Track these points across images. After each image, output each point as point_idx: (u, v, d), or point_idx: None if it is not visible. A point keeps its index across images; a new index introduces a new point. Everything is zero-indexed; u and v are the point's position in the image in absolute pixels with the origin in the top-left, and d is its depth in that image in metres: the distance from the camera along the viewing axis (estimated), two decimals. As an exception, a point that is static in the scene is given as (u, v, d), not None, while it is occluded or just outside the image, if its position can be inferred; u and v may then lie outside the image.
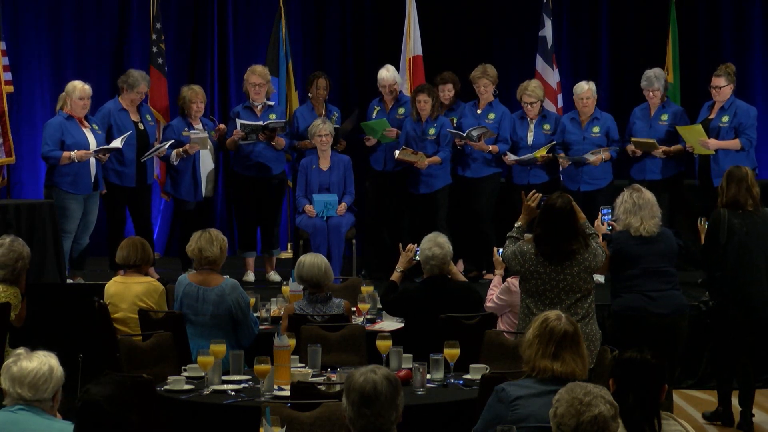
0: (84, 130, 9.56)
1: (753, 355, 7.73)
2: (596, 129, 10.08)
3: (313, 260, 7.05)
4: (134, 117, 9.98)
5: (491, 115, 10.30)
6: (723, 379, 7.77)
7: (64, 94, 9.61)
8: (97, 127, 9.70)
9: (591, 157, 9.89)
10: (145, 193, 10.16)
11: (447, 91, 10.44)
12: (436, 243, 7.07)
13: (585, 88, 10.09)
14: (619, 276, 7.16)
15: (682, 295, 7.24)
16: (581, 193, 9.86)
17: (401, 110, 10.52)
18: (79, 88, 9.50)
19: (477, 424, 4.65)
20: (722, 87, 9.64)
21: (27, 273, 7.30)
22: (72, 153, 9.39)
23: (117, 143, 9.55)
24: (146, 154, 9.85)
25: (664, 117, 10.03)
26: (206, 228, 7.14)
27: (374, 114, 10.55)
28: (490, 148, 10.16)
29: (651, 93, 10.01)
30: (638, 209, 7.08)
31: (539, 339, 4.61)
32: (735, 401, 7.76)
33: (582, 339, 4.67)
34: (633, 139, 9.98)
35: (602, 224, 7.37)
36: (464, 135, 10.05)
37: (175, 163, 10.03)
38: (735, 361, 7.66)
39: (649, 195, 7.14)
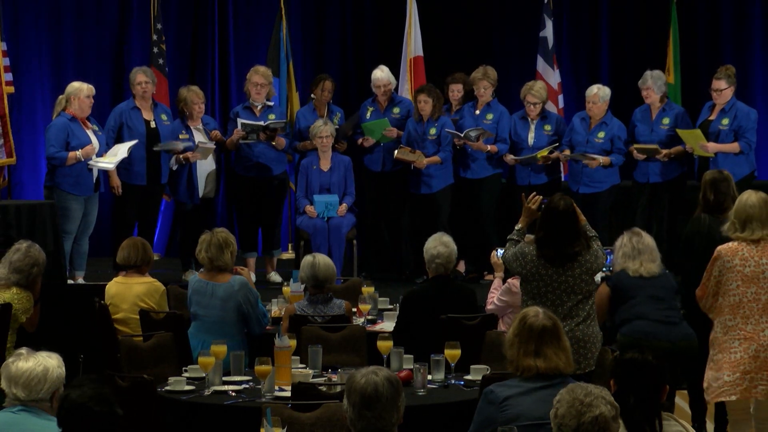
0: (87, 131, 9.57)
1: None
2: (601, 134, 10.01)
3: (325, 260, 7.09)
4: (146, 116, 9.96)
5: (489, 116, 10.28)
6: (693, 396, 7.38)
7: (62, 97, 9.59)
8: (97, 128, 9.71)
9: (586, 159, 9.84)
10: (157, 193, 10.14)
11: (456, 92, 10.43)
12: (441, 242, 7.10)
13: (593, 92, 10.02)
14: (620, 308, 6.88)
15: (689, 327, 6.92)
16: (580, 194, 9.83)
17: (396, 110, 10.53)
18: (85, 87, 9.51)
19: (470, 427, 4.65)
20: (723, 90, 9.62)
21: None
22: (78, 152, 9.40)
23: (123, 153, 9.54)
24: (160, 145, 9.82)
25: (666, 121, 9.96)
26: (209, 229, 7.13)
27: (368, 114, 10.54)
28: (489, 148, 10.16)
29: (643, 91, 9.98)
30: (637, 254, 6.88)
31: (519, 338, 4.62)
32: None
33: (562, 332, 4.66)
34: (636, 146, 9.93)
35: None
36: (462, 136, 10.06)
37: (174, 168, 10.03)
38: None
39: (648, 240, 6.93)
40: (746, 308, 6.28)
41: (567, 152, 10.02)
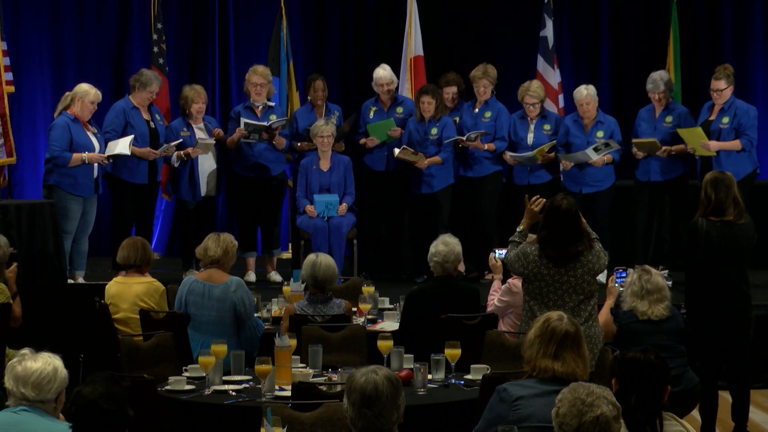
0: (88, 133, 9.58)
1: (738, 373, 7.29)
2: (600, 133, 10.01)
3: (327, 261, 7.06)
4: (145, 116, 9.97)
5: (487, 114, 10.29)
6: (704, 404, 7.20)
7: (68, 94, 9.57)
8: (96, 131, 9.70)
9: (594, 156, 9.84)
10: (154, 191, 10.16)
11: (451, 93, 10.45)
12: (442, 241, 7.12)
13: (584, 94, 10.02)
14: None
15: (694, 374, 6.77)
16: (582, 195, 9.84)
17: (399, 109, 10.53)
18: (92, 92, 9.51)
19: (478, 423, 4.65)
20: (723, 90, 9.61)
21: (22, 273, 7.26)
22: (84, 155, 9.40)
23: (125, 150, 9.53)
24: (163, 154, 9.83)
25: (669, 119, 9.96)
26: (210, 228, 7.19)
27: (371, 114, 10.53)
28: (486, 146, 10.16)
29: (657, 96, 9.95)
30: (646, 294, 6.65)
31: (540, 339, 4.60)
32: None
33: (583, 340, 4.67)
34: (634, 140, 9.93)
35: (615, 286, 7.08)
36: (464, 139, 10.07)
37: (176, 165, 10.03)
38: (713, 386, 7.19)
39: (658, 279, 6.72)
40: None
41: (565, 163, 9.98)
